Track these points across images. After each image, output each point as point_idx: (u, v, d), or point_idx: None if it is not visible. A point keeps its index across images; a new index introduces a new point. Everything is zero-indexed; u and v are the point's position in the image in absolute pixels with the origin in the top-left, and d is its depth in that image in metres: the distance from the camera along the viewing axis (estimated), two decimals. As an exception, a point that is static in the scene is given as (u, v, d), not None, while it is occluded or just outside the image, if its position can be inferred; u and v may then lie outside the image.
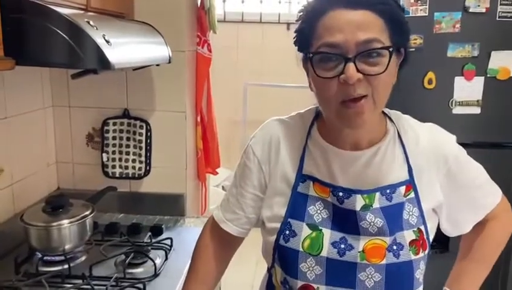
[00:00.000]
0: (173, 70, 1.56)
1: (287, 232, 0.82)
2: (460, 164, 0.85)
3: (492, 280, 0.97)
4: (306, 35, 0.76)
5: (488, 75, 1.93)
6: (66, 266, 1.23)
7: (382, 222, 0.78)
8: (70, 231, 1.26)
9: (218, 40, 1.93)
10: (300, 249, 0.80)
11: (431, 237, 0.84)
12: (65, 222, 1.25)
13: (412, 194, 0.81)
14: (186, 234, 1.50)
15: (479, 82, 1.94)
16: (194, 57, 1.73)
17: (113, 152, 1.62)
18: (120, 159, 1.62)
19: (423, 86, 1.94)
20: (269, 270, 0.92)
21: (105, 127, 1.61)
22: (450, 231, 0.89)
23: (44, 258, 1.28)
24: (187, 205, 1.69)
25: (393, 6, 0.74)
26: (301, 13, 0.79)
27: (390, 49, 0.71)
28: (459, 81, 1.94)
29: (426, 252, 0.81)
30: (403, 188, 0.81)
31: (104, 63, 0.96)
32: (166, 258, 1.32)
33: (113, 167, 1.62)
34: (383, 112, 0.85)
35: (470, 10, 1.87)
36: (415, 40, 1.88)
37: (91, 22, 0.97)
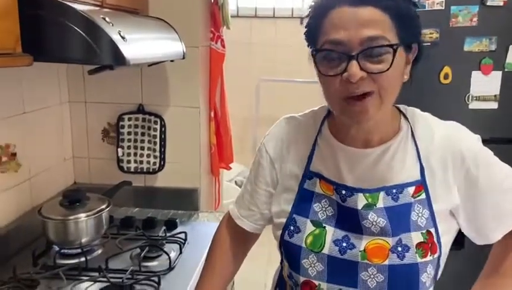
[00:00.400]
0: (187, 66, 1.57)
1: (292, 227, 0.83)
2: (482, 164, 0.78)
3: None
4: (313, 31, 0.76)
5: (506, 70, 1.89)
6: (82, 259, 1.26)
7: (385, 222, 0.77)
8: (87, 224, 1.28)
9: (231, 36, 1.93)
10: (303, 245, 0.81)
11: (446, 240, 0.79)
12: (82, 216, 1.27)
13: (423, 195, 0.78)
14: (200, 228, 1.52)
15: (496, 77, 1.90)
16: (207, 52, 1.73)
17: (128, 147, 1.64)
18: (135, 154, 1.64)
19: (439, 81, 1.91)
20: (281, 263, 0.93)
21: (121, 123, 1.63)
22: (475, 238, 0.83)
23: (62, 251, 1.30)
24: (201, 199, 1.71)
25: (400, 2, 0.72)
26: (310, 9, 0.79)
27: (395, 47, 0.69)
28: (476, 76, 1.91)
29: (436, 255, 0.77)
30: (411, 189, 0.78)
31: (119, 59, 0.97)
32: (181, 252, 1.33)
33: (128, 161, 1.64)
34: (398, 109, 0.84)
35: (488, 3, 1.83)
36: (431, 34, 1.85)
37: (107, 19, 0.98)
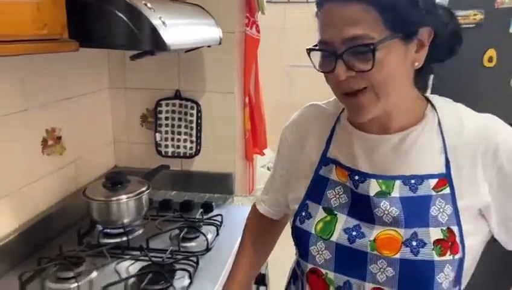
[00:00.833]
0: (223, 52, 1.58)
1: (303, 213, 0.82)
2: None
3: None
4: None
5: (554, 53, 1.80)
6: (124, 239, 1.31)
7: (398, 212, 0.73)
8: (128, 205, 1.33)
9: (265, 21, 1.92)
10: (313, 232, 0.79)
11: (472, 242, 0.73)
12: (123, 197, 1.32)
13: (447, 190, 0.73)
14: (235, 212, 1.54)
15: (543, 60, 1.81)
16: (242, 38, 1.74)
17: (166, 132, 1.68)
18: (172, 139, 1.68)
19: (482, 64, 1.84)
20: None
21: (158, 108, 1.66)
22: (507, 242, 0.76)
23: (105, 230, 1.36)
24: (235, 184, 1.73)
25: None
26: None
27: (372, 46, 0.66)
28: (521, 59, 1.82)
29: (457, 256, 0.71)
30: (433, 181, 0.74)
31: (160, 44, 1.00)
32: (218, 234, 1.37)
33: (166, 146, 1.69)
34: (426, 99, 0.80)
35: (536, -18, 1.74)
36: (475, 16, 1.78)
37: (148, 4, 1.00)
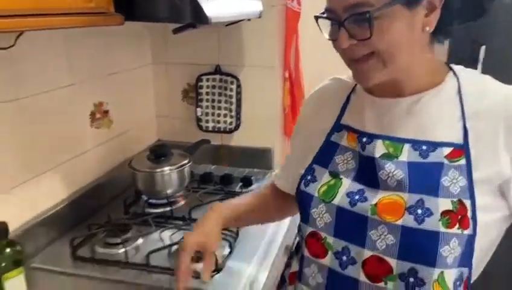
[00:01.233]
0: (263, 25, 1.57)
1: (309, 177, 0.82)
2: None
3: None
4: None
5: None
6: (168, 209, 1.36)
7: (402, 175, 0.70)
8: (171, 177, 1.38)
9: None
10: (315, 195, 0.78)
11: (486, 220, 0.69)
12: (166, 169, 1.37)
13: (462, 162, 0.69)
14: (275, 186, 1.56)
15: None
16: (283, 11, 1.71)
17: (206, 107, 1.70)
18: (213, 114, 1.71)
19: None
20: None
21: (199, 83, 1.69)
22: None
23: (149, 200, 1.42)
24: (274, 159, 1.74)
25: None
26: None
27: (368, 15, 0.64)
28: None
29: (466, 232, 0.67)
30: (447, 150, 0.70)
31: (201, 17, 1.00)
32: (257, 207, 1.39)
33: (206, 121, 1.72)
34: (448, 66, 0.77)
35: None
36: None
37: (190, -23, 1.00)
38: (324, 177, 0.80)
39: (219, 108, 1.70)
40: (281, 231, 1.25)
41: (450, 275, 0.67)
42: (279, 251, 1.16)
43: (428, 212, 0.67)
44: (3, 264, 0.86)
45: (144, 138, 1.72)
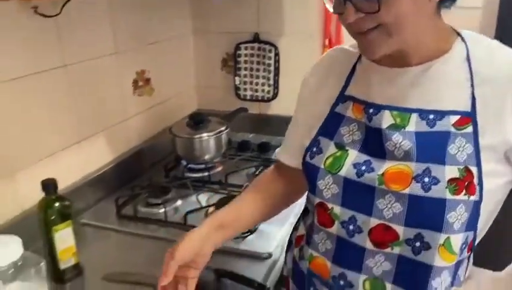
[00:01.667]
0: (302, -8, 1.54)
1: (314, 149, 0.80)
2: None
3: None
4: None
5: None
6: (206, 174, 1.41)
7: (410, 145, 0.69)
8: (209, 143, 1.42)
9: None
10: (322, 166, 0.78)
11: (491, 185, 0.69)
12: (205, 135, 1.42)
13: (469, 129, 0.68)
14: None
15: None
16: (323, -24, 1.67)
17: (245, 76, 1.72)
18: (251, 83, 1.72)
19: None
20: None
21: (238, 52, 1.70)
22: None
23: (188, 165, 1.47)
24: (312, 128, 1.74)
25: None
26: None
27: None
28: None
29: (473, 198, 0.67)
30: (455, 118, 0.69)
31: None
32: (292, 174, 1.40)
33: (245, 90, 1.73)
34: (456, 32, 0.74)
35: None
36: None
37: None
38: (330, 149, 0.79)
39: (257, 77, 1.71)
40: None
41: (457, 240, 0.68)
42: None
43: (435, 181, 0.68)
44: (52, 217, 0.94)
45: (184, 107, 1.77)
